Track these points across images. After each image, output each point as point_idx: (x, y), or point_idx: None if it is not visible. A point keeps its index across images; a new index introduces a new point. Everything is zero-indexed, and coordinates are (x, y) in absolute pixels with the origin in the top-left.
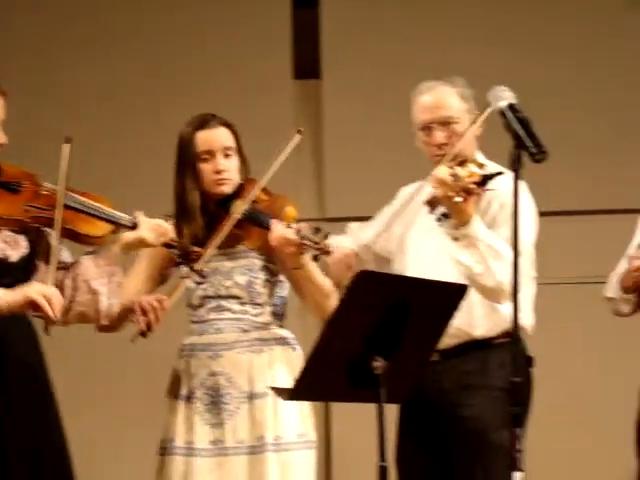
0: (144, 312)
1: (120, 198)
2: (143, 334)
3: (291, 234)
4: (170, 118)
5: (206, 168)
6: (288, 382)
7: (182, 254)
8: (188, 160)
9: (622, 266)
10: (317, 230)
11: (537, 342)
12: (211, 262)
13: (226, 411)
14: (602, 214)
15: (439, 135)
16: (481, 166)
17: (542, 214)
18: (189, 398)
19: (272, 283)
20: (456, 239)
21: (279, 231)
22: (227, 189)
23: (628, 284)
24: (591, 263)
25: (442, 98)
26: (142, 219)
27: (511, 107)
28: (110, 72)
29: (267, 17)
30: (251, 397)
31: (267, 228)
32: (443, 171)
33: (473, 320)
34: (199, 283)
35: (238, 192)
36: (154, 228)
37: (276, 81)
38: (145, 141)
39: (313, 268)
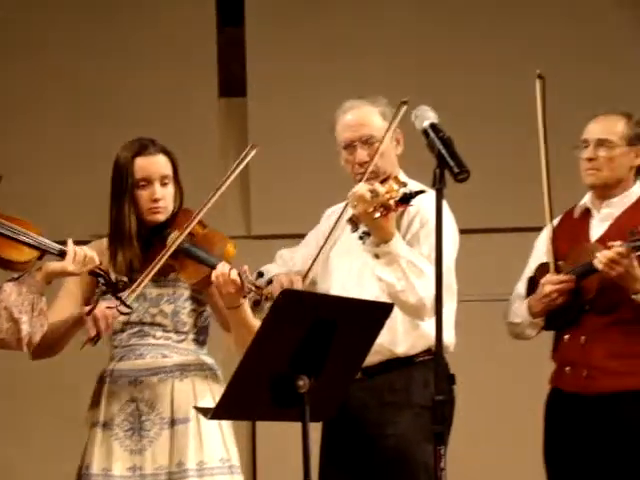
0: (95, 320)
1: (41, 219)
2: (92, 339)
3: (236, 276)
4: (96, 137)
5: (143, 195)
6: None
7: (108, 283)
8: (126, 186)
9: (521, 288)
10: (260, 275)
11: (456, 359)
12: (103, 299)
13: (146, 437)
14: (511, 232)
15: (361, 153)
16: (401, 184)
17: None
18: (107, 424)
19: (198, 313)
20: (377, 257)
21: (224, 272)
22: (161, 217)
23: (537, 309)
24: (500, 280)
25: (364, 117)
26: (71, 248)
27: (433, 127)
28: (30, 91)
29: (193, 36)
30: (172, 423)
31: (210, 266)
32: (362, 188)
33: (395, 337)
34: (125, 313)
35: (172, 220)
36: (80, 259)
37: (202, 99)
38: (67, 161)
39: (247, 309)
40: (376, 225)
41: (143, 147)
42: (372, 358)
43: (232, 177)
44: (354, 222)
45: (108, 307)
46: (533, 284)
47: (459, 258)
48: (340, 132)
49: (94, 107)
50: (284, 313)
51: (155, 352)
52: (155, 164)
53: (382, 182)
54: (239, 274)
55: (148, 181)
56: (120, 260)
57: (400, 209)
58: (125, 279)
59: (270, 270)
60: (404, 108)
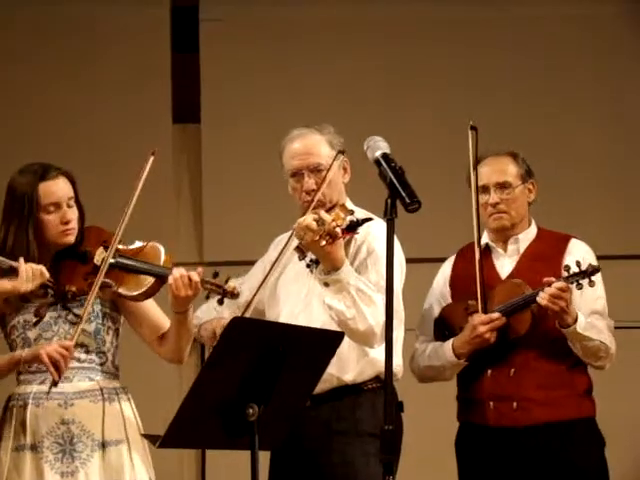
0: (53, 360)
1: None
2: (56, 384)
3: (196, 277)
4: (47, 160)
5: (51, 220)
6: (135, 430)
7: (58, 294)
8: (29, 212)
9: (428, 332)
10: (216, 274)
11: (404, 386)
12: (50, 311)
13: (79, 459)
14: None
15: (308, 182)
16: (348, 212)
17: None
18: (35, 447)
19: (114, 330)
20: (326, 284)
21: (183, 274)
22: (72, 239)
23: (464, 350)
24: None
25: (311, 145)
26: (22, 267)
27: (385, 157)
28: None
29: (148, 60)
30: (103, 445)
31: (157, 276)
32: (308, 217)
33: (343, 365)
34: (73, 323)
35: (82, 240)
36: (31, 276)
37: (156, 124)
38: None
39: (191, 312)
40: (324, 253)
41: (45, 171)
42: (320, 386)
43: (139, 189)
44: (301, 250)
45: (61, 345)
46: (442, 326)
47: (406, 287)
48: (287, 160)
49: (44, 129)
50: (234, 341)
51: (82, 375)
52: (61, 188)
53: (328, 210)
54: (198, 274)
55: (57, 205)
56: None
57: (347, 237)
58: (74, 288)
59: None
60: (341, 158)
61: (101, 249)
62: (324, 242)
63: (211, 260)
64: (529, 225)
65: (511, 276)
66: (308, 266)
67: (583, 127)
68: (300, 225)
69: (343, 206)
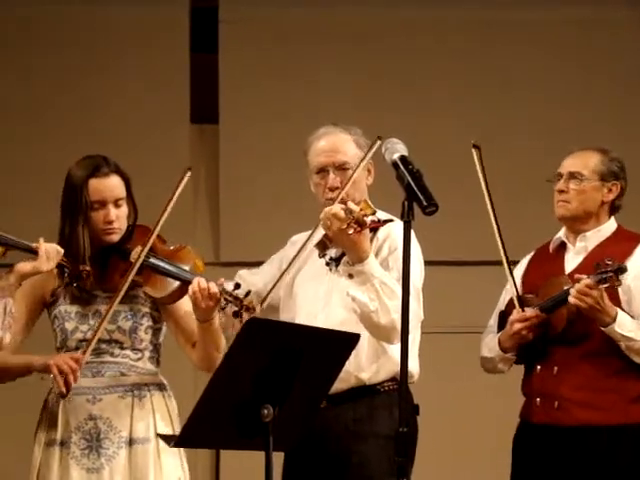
0: (61, 372)
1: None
2: (63, 396)
3: (215, 289)
4: (67, 161)
5: (96, 216)
6: (168, 428)
7: (72, 273)
8: (80, 207)
9: (493, 323)
10: (237, 286)
11: (421, 389)
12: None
13: (104, 456)
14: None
15: (333, 178)
16: (372, 209)
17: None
18: (64, 443)
19: (154, 330)
20: (351, 276)
21: (203, 285)
22: (115, 238)
23: (507, 345)
24: (469, 312)
25: (339, 143)
26: (43, 247)
27: (403, 159)
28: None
29: (166, 61)
30: (130, 442)
31: (182, 281)
32: (336, 206)
33: (361, 363)
34: (76, 289)
35: (128, 238)
36: (51, 255)
37: (174, 124)
38: (32, 180)
39: (217, 322)
40: (350, 243)
41: (96, 167)
42: (337, 385)
43: (175, 196)
44: (322, 246)
45: (72, 357)
46: (504, 318)
47: (426, 290)
48: (313, 157)
49: (61, 128)
50: (249, 342)
51: (114, 370)
52: (109, 187)
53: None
54: (218, 286)
55: (102, 204)
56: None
57: (374, 227)
58: (88, 268)
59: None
60: (378, 143)
61: (139, 247)
62: (351, 230)
63: (227, 260)
64: (603, 223)
65: (572, 273)
66: (327, 264)
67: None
68: (327, 214)
69: (367, 202)
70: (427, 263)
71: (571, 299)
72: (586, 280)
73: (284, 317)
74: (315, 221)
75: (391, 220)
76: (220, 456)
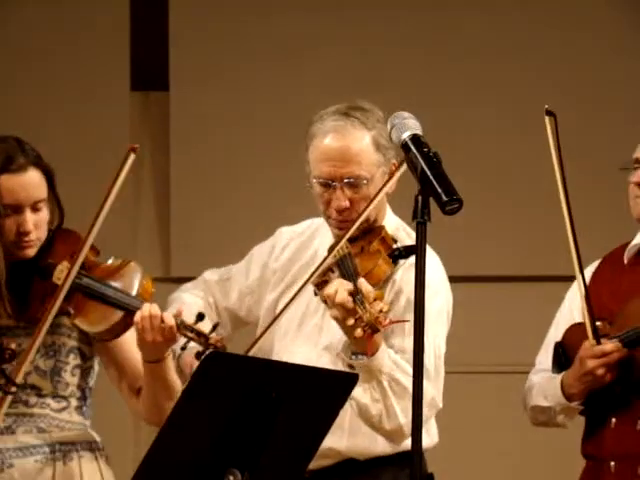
0: None
1: None
2: None
3: (171, 320)
4: None
5: (7, 225)
6: None
7: None
8: None
9: (544, 359)
10: (200, 317)
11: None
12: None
13: None
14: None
15: (341, 197)
16: (390, 245)
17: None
18: None
19: (83, 370)
20: (351, 367)
21: (154, 314)
22: (32, 252)
23: (576, 390)
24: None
25: (351, 149)
26: None
27: (415, 139)
28: None
29: (104, 15)
30: None
31: (125, 309)
32: (341, 290)
33: (355, 441)
34: (11, 393)
35: (49, 248)
36: None
37: (112, 92)
38: None
39: (170, 364)
40: (356, 340)
41: (8, 159)
42: (322, 462)
43: (115, 190)
44: (321, 286)
45: None
46: (562, 353)
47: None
48: (316, 160)
49: None
50: (210, 384)
51: (29, 425)
52: (26, 186)
53: (365, 237)
54: (174, 318)
55: (15, 208)
56: None
57: (391, 326)
58: (13, 346)
59: (186, 301)
60: (403, 168)
61: (65, 263)
62: (360, 331)
63: (179, 275)
64: None
65: None
66: (325, 302)
67: None
68: (331, 298)
69: (384, 242)
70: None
71: None
72: None
73: (261, 349)
74: (298, 219)
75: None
76: None
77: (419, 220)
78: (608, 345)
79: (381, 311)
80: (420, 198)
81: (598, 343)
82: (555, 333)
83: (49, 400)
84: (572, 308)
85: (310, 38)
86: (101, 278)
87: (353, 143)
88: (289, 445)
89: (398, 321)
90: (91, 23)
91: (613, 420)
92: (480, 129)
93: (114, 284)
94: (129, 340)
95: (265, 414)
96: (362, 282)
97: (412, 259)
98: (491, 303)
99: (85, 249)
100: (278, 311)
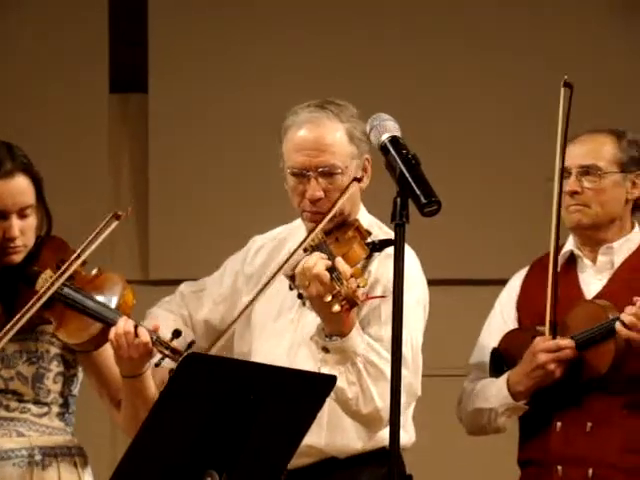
0: None
1: None
2: None
3: (146, 337)
4: None
5: None
6: None
7: None
8: None
9: (478, 362)
10: (176, 334)
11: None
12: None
13: None
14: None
15: (315, 187)
16: (366, 239)
17: None
18: None
19: (67, 378)
20: (326, 350)
21: (128, 330)
22: (18, 258)
23: (524, 387)
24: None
25: (326, 138)
26: None
27: (394, 141)
28: None
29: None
30: None
31: (104, 322)
32: (319, 263)
33: (334, 438)
34: (32, 362)
35: (36, 255)
36: None
37: (91, 94)
38: None
39: (149, 378)
40: (331, 315)
41: None
42: (300, 461)
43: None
44: (295, 280)
45: None
46: (500, 359)
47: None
48: (290, 151)
49: None
50: (188, 386)
51: (7, 429)
52: (13, 192)
53: (339, 229)
54: (150, 334)
55: (2, 215)
56: None
57: (370, 302)
58: None
59: (160, 316)
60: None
61: (49, 272)
62: (337, 307)
63: (157, 278)
64: (631, 230)
65: (598, 297)
66: (300, 296)
67: None
68: (307, 270)
69: (359, 231)
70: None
71: (622, 330)
72: None
73: (237, 351)
74: (264, 229)
75: (390, 242)
76: None
77: (397, 222)
78: (564, 340)
79: (358, 286)
80: (399, 200)
81: (554, 339)
82: (488, 340)
83: (30, 405)
84: (504, 315)
85: (292, 38)
86: (82, 289)
87: (327, 134)
88: (267, 446)
89: (376, 297)
90: (70, 25)
91: (558, 423)
92: (464, 128)
93: (95, 295)
94: (110, 352)
95: (243, 415)
96: (339, 260)
97: (388, 250)
98: (471, 306)
99: (76, 263)
100: (249, 305)
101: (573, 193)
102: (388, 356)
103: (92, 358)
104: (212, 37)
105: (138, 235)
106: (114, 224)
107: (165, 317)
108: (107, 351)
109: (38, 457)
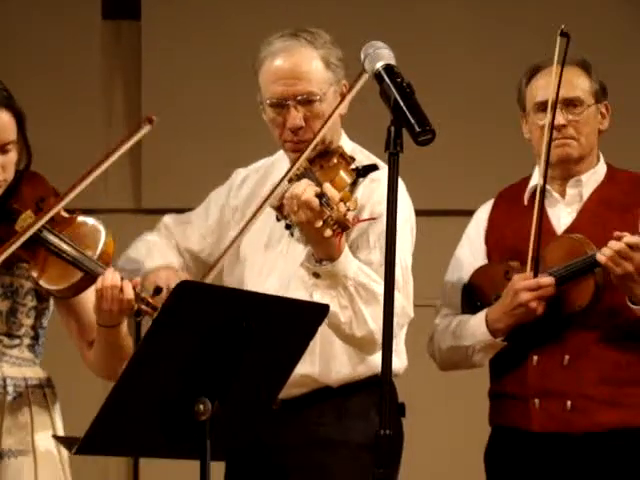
0: None
1: None
2: None
3: (130, 293)
4: None
5: None
6: (47, 441)
7: None
8: None
9: (449, 300)
10: (157, 291)
11: (409, 383)
12: None
13: None
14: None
15: (295, 116)
16: (350, 164)
17: None
18: None
19: (39, 311)
20: (316, 275)
21: (115, 284)
22: None
23: (504, 324)
24: None
25: (302, 65)
26: None
27: (388, 69)
28: None
29: None
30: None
31: (86, 271)
32: (308, 190)
33: (328, 366)
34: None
35: (15, 191)
36: None
37: (82, 20)
38: None
39: (124, 327)
40: (321, 240)
41: None
42: (292, 391)
43: (116, 155)
44: (282, 209)
45: None
46: (472, 295)
47: (416, 247)
48: (267, 82)
49: None
50: (180, 314)
51: None
52: None
53: (323, 157)
54: (134, 288)
55: None
56: None
57: (358, 225)
58: None
59: (152, 243)
60: (365, 77)
61: (29, 212)
62: (329, 231)
63: (150, 207)
64: (597, 162)
65: (569, 230)
66: (288, 227)
67: None
68: (296, 198)
69: (343, 157)
70: (419, 213)
71: (602, 259)
72: (629, 238)
73: (227, 285)
74: (259, 156)
75: (375, 167)
76: (139, 466)
77: (392, 151)
78: (545, 278)
79: (348, 209)
80: (393, 129)
81: (535, 276)
82: (458, 275)
83: (2, 337)
84: (472, 249)
85: None
86: (64, 235)
87: (303, 61)
88: (259, 374)
89: (366, 219)
90: None
91: (535, 357)
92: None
93: (76, 242)
94: (87, 297)
95: (235, 343)
96: (327, 186)
97: (372, 175)
98: (440, 237)
99: (59, 206)
100: (237, 237)
101: (561, 127)
102: (379, 278)
103: (68, 302)
104: None
105: (130, 165)
106: (147, 128)
107: (165, 245)
108: (84, 297)
109: (10, 387)
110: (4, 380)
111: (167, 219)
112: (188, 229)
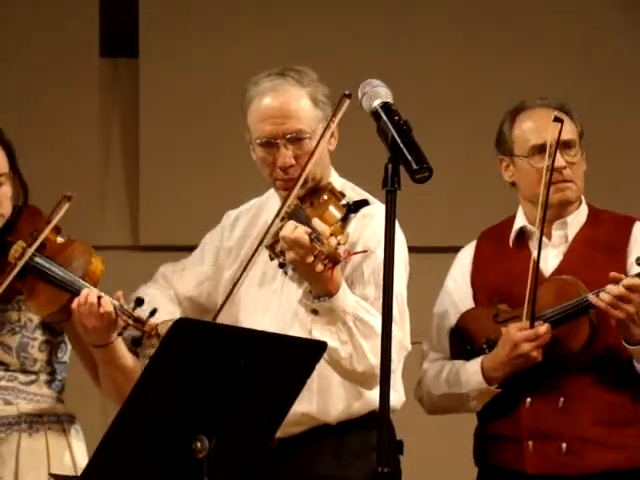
0: None
1: None
2: None
3: (108, 306)
4: None
5: None
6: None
7: None
8: None
9: (437, 345)
10: (139, 302)
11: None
12: None
13: None
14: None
15: (285, 154)
16: (340, 200)
17: None
18: None
19: (52, 345)
20: (315, 312)
21: (91, 300)
22: None
23: (499, 373)
24: None
25: (290, 104)
26: None
27: (386, 107)
28: None
29: None
30: None
31: (71, 291)
32: (299, 231)
33: (326, 405)
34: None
35: (13, 225)
36: None
37: (81, 58)
38: None
39: (120, 347)
40: (316, 276)
41: None
42: (292, 429)
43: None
44: (274, 248)
45: None
46: (460, 339)
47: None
48: (255, 122)
49: None
50: (178, 350)
51: None
52: None
53: (313, 194)
54: (115, 303)
55: None
56: None
57: (352, 260)
58: None
59: (150, 295)
60: (347, 103)
61: (20, 243)
62: (320, 266)
63: (148, 244)
64: (580, 204)
65: (558, 272)
66: (282, 266)
67: None
68: (287, 239)
69: (333, 193)
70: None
71: (601, 304)
72: (629, 280)
73: (221, 321)
74: (257, 193)
75: (366, 202)
76: None
77: (389, 188)
78: (542, 327)
79: (339, 243)
80: (390, 166)
81: (532, 326)
82: (444, 319)
83: (17, 374)
84: (459, 293)
85: (281, 9)
86: (52, 257)
87: (291, 100)
88: (257, 412)
89: (357, 252)
90: None
91: (528, 399)
92: (453, 101)
93: (64, 265)
94: None
95: (233, 381)
96: (316, 221)
97: (363, 210)
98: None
99: (45, 232)
100: (236, 285)
101: (562, 169)
102: (376, 312)
103: (70, 326)
104: (203, 1)
105: (129, 201)
106: (66, 205)
107: (160, 296)
108: None
109: (25, 424)
110: (20, 417)
111: (163, 269)
112: (185, 276)
